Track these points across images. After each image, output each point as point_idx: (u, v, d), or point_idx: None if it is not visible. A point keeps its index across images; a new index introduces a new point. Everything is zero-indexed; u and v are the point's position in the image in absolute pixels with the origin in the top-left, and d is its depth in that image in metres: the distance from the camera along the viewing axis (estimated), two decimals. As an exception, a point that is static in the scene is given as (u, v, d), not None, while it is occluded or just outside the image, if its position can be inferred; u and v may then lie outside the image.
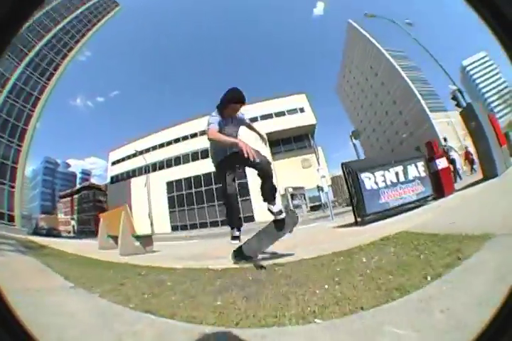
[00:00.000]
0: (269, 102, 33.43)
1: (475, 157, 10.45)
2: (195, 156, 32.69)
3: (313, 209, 25.44)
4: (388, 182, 4.68)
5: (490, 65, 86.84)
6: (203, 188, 30.83)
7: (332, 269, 1.95)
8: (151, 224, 24.26)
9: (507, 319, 0.51)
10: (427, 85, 57.99)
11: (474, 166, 10.67)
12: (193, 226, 29.37)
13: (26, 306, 1.52)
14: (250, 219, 22.90)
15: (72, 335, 1.35)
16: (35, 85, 35.78)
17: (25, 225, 32.57)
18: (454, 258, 1.63)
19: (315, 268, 2.09)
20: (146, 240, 5.47)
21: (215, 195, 29.38)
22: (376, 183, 4.62)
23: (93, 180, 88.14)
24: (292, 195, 26.14)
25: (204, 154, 31.31)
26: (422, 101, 51.97)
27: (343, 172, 4.97)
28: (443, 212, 3.57)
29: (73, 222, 48.71)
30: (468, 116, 5.15)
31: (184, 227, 29.93)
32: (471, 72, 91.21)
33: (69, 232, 44.05)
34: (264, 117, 32.22)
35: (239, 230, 2.90)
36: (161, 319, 1.44)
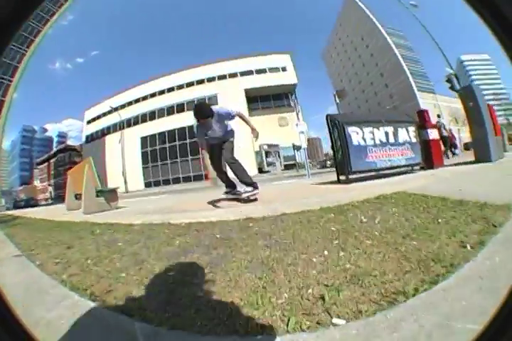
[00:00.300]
0: (251, 59, 31.71)
1: (458, 142, 10.41)
2: (170, 110, 31.28)
3: (287, 168, 25.53)
4: (377, 141, 4.31)
5: (491, 69, 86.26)
6: (177, 143, 29.77)
7: (325, 228, 1.51)
8: (125, 182, 23.40)
9: (507, 319, 0.45)
10: (419, 66, 57.24)
11: (456, 150, 10.70)
12: (166, 182, 29.16)
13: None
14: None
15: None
16: (15, 55, 33.01)
17: (7, 201, 31.00)
18: (485, 226, 1.26)
19: (301, 225, 1.65)
20: (111, 195, 5.10)
21: (188, 149, 28.59)
22: (364, 140, 4.21)
23: (69, 142, 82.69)
24: (267, 153, 25.75)
25: (179, 108, 29.99)
26: (411, 79, 51.55)
27: (328, 126, 4.48)
28: (439, 180, 3.20)
29: (50, 188, 46.77)
30: (468, 96, 4.87)
31: (157, 183, 29.72)
32: (468, 68, 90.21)
33: (47, 199, 42.36)
34: (245, 73, 30.81)
35: (228, 188, 3.55)
36: (86, 303, 0.98)
